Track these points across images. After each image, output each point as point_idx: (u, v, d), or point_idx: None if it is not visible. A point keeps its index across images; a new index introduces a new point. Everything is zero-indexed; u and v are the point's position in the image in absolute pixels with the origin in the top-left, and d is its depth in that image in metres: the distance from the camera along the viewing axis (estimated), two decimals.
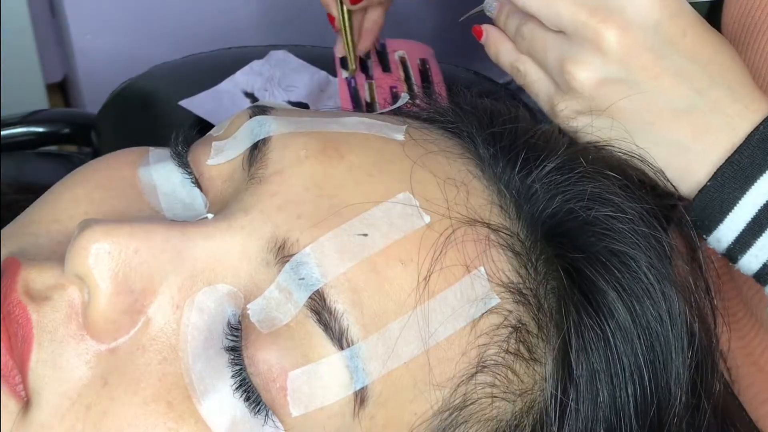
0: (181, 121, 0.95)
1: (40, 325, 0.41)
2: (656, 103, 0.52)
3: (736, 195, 0.52)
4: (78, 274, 0.41)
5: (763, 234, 0.52)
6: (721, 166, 0.52)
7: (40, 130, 1.02)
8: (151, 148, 0.49)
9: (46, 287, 0.42)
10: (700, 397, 0.49)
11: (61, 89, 1.80)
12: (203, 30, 1.57)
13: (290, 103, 0.93)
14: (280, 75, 0.99)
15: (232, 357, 0.42)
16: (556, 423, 0.46)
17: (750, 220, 0.52)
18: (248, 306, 0.43)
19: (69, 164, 0.95)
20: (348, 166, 0.45)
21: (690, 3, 0.53)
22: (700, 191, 0.53)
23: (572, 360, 0.46)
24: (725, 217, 0.52)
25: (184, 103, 0.98)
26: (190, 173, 0.47)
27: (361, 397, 0.42)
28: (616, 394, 0.47)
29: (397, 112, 0.56)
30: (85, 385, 0.41)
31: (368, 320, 0.42)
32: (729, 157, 0.52)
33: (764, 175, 0.51)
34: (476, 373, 0.45)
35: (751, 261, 0.53)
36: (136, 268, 0.41)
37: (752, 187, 0.52)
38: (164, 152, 0.49)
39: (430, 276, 0.43)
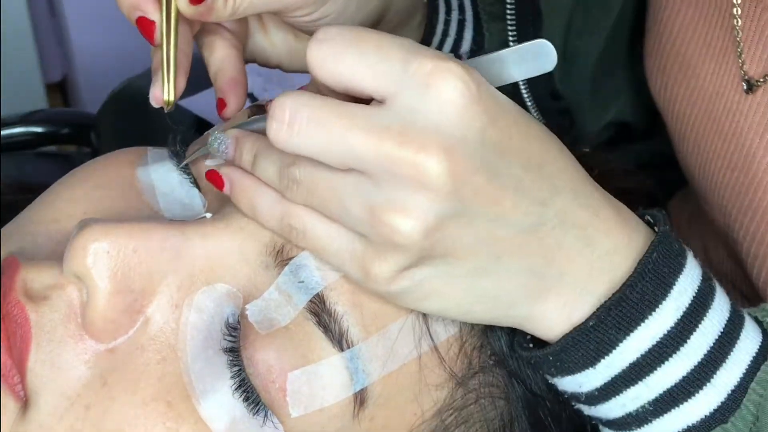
0: (181, 120, 0.95)
1: (39, 325, 0.41)
2: (500, 231, 0.40)
3: (619, 337, 0.42)
4: (77, 274, 0.41)
5: (640, 382, 0.43)
6: (603, 304, 0.42)
7: (40, 130, 1.01)
8: (149, 148, 0.49)
9: (45, 287, 0.42)
10: None
11: (60, 89, 1.80)
12: None
13: None
14: (280, 75, 0.99)
15: (231, 358, 0.42)
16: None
17: (628, 366, 0.43)
18: (247, 307, 0.43)
19: (68, 164, 0.95)
20: None
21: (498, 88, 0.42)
22: (572, 331, 0.43)
23: None
24: (598, 361, 0.43)
25: (184, 102, 0.97)
26: (189, 173, 0.47)
27: (361, 398, 0.42)
28: None
29: None
30: (84, 385, 0.41)
31: (368, 321, 0.42)
32: (614, 294, 0.42)
33: (655, 313, 0.42)
34: (476, 373, 0.45)
35: (612, 409, 0.44)
36: (135, 267, 0.41)
37: (638, 328, 0.42)
38: (163, 152, 0.49)
39: None
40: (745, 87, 0.57)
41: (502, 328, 0.46)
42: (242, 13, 0.47)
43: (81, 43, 1.61)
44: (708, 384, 0.43)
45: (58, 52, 1.71)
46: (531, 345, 0.45)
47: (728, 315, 0.44)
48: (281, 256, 0.43)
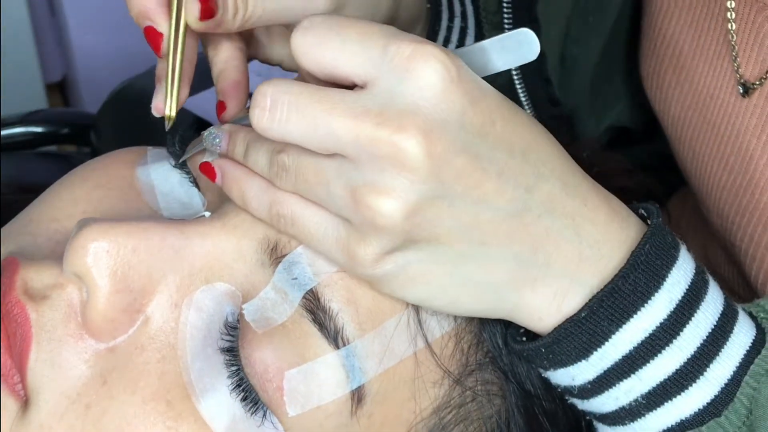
0: (180, 120, 0.95)
1: (39, 324, 0.41)
2: (484, 215, 0.40)
3: (611, 329, 0.42)
4: (76, 273, 0.41)
5: (633, 375, 0.43)
6: (595, 295, 0.42)
7: (40, 130, 1.01)
8: (149, 147, 0.49)
9: (45, 286, 0.42)
10: None
11: (60, 89, 1.80)
12: None
13: None
14: (280, 75, 0.99)
15: (229, 357, 0.42)
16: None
17: (620, 359, 0.43)
18: (244, 306, 0.43)
19: (68, 164, 0.95)
20: None
21: (484, 78, 0.42)
22: (565, 323, 0.43)
23: None
24: (590, 353, 0.43)
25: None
26: (189, 173, 0.47)
27: (358, 396, 0.42)
28: None
29: None
30: (84, 384, 0.41)
31: (363, 318, 0.42)
32: (607, 285, 0.42)
33: (647, 304, 0.42)
34: (474, 370, 0.45)
35: (605, 403, 0.44)
36: (135, 266, 0.41)
37: (631, 320, 0.42)
38: (162, 152, 0.49)
39: None
40: (741, 90, 0.57)
41: (496, 325, 0.46)
42: (251, 26, 0.47)
43: (81, 43, 1.61)
44: (701, 377, 0.43)
45: (58, 52, 1.71)
46: (524, 338, 0.45)
47: (721, 308, 0.44)
48: (275, 254, 0.43)
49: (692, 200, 0.73)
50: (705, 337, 0.43)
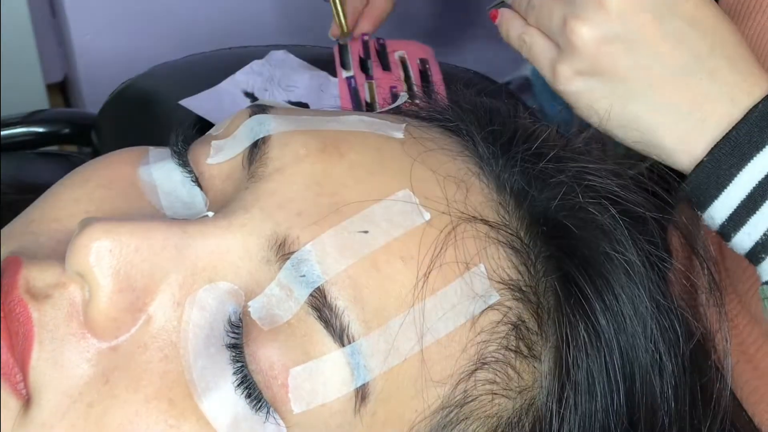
0: (181, 120, 0.95)
1: (41, 323, 0.41)
2: (654, 66, 0.53)
3: (732, 172, 0.52)
4: (79, 272, 0.41)
5: (757, 212, 0.52)
6: (717, 143, 0.53)
7: (41, 130, 1.02)
8: (150, 147, 0.49)
9: (47, 285, 0.42)
10: (697, 401, 0.49)
11: (61, 89, 1.80)
12: (203, 30, 1.57)
13: (290, 103, 0.93)
14: (280, 75, 0.99)
15: (234, 354, 0.42)
16: (557, 420, 0.47)
17: (745, 197, 0.52)
18: (249, 303, 0.43)
19: (69, 164, 0.95)
20: (348, 165, 0.45)
21: None
22: (697, 167, 0.53)
23: (570, 359, 0.46)
24: (720, 193, 0.53)
25: (184, 102, 0.98)
26: (191, 172, 0.47)
27: (362, 394, 0.42)
28: (611, 394, 0.47)
29: (397, 111, 0.55)
30: (86, 383, 0.41)
31: (369, 317, 0.42)
32: (726, 134, 0.53)
33: (761, 152, 0.52)
34: (476, 369, 0.45)
35: (743, 239, 0.53)
36: (138, 265, 0.41)
37: (748, 164, 0.52)
38: (164, 151, 0.49)
39: (429, 273, 0.43)
40: None
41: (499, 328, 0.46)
42: None
43: (82, 43, 1.61)
44: None
45: (59, 52, 1.71)
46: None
47: None
48: (282, 250, 0.43)
49: None
50: None
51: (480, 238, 0.45)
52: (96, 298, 0.41)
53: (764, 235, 0.53)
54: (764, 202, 0.52)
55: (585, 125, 0.75)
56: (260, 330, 0.42)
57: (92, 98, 1.58)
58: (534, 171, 0.48)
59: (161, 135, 0.50)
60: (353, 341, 0.42)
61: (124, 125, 1.03)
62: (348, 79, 0.86)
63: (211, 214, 0.45)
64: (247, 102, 0.96)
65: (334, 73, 0.94)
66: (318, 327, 0.42)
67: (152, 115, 1.02)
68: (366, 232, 0.43)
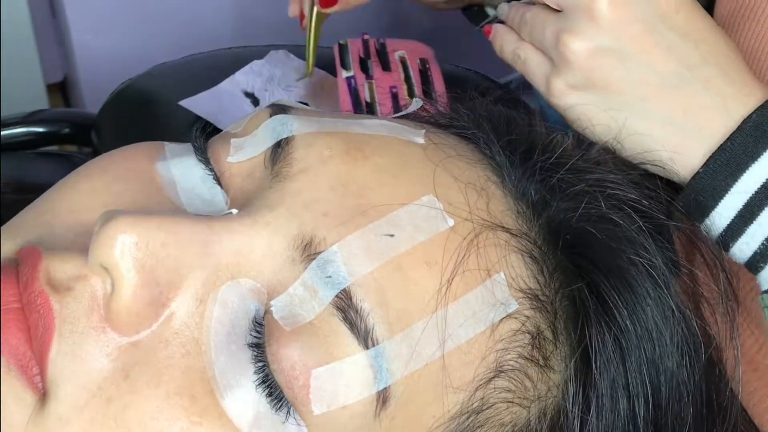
0: (181, 121, 0.95)
1: (62, 316, 0.41)
2: (647, 77, 0.53)
3: (728, 182, 0.52)
4: (103, 265, 0.40)
5: (754, 222, 0.52)
6: (713, 153, 0.52)
7: (41, 130, 1.02)
8: (165, 143, 0.49)
9: (69, 277, 0.41)
10: (712, 408, 0.49)
11: (61, 89, 1.81)
12: (203, 30, 1.57)
13: None
14: (280, 75, 0.99)
15: (256, 353, 0.42)
16: (583, 427, 0.47)
17: (741, 207, 0.52)
18: (272, 302, 0.43)
19: (69, 164, 0.95)
20: (372, 167, 0.45)
21: None
22: (693, 178, 0.53)
23: (593, 369, 0.46)
24: (717, 203, 0.52)
25: (184, 103, 0.98)
26: (212, 170, 0.47)
27: (383, 398, 0.42)
28: (637, 398, 0.47)
29: (412, 116, 0.55)
30: (105, 378, 0.40)
31: (393, 320, 0.42)
32: (721, 144, 0.52)
33: (756, 162, 0.51)
34: (494, 377, 0.45)
35: (742, 249, 0.53)
36: (163, 260, 0.41)
37: (744, 174, 0.52)
38: (180, 147, 0.48)
39: (453, 279, 0.43)
40: None
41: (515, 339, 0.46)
42: None
43: (82, 43, 1.61)
44: None
45: (59, 52, 1.71)
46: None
47: None
48: (308, 250, 0.42)
49: None
50: None
51: (501, 246, 0.45)
52: (119, 291, 0.40)
53: (762, 244, 0.52)
54: (761, 211, 0.52)
55: None
56: (282, 330, 0.42)
57: (92, 98, 1.58)
58: (553, 181, 0.48)
59: (161, 135, 0.50)
60: (377, 344, 0.42)
61: (124, 125, 1.03)
62: (348, 79, 0.86)
63: (234, 211, 0.44)
64: (248, 102, 0.96)
65: (334, 73, 0.94)
66: (342, 329, 0.42)
67: (152, 115, 1.02)
68: (392, 235, 0.43)
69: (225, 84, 0.99)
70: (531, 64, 0.59)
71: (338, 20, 0.84)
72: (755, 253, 0.53)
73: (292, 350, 0.41)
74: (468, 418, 0.45)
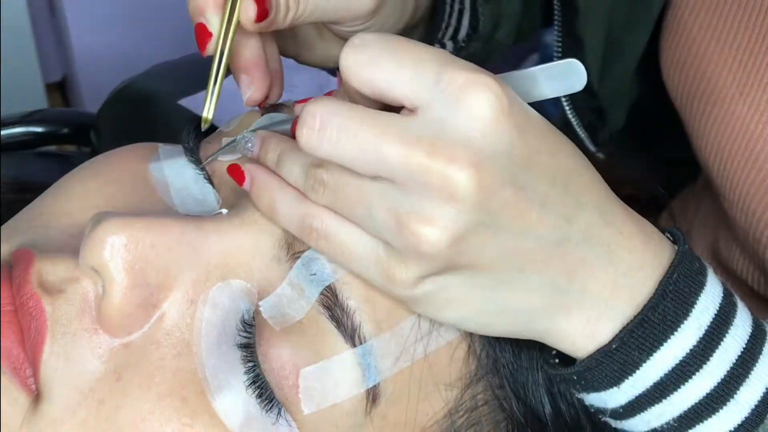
0: (180, 120, 0.95)
1: (54, 318, 0.41)
2: (525, 244, 0.40)
3: (642, 358, 0.42)
4: (93, 267, 0.41)
5: (665, 400, 0.43)
6: (626, 326, 0.42)
7: (40, 129, 1.01)
8: (159, 144, 0.49)
9: (60, 279, 0.41)
10: None
11: (60, 89, 1.81)
12: None
13: None
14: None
15: (246, 354, 0.42)
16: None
17: (651, 386, 0.43)
18: (261, 303, 0.43)
19: (68, 164, 0.94)
20: None
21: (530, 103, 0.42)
22: (589, 357, 0.43)
23: None
24: (622, 381, 0.43)
25: (184, 102, 0.98)
26: (203, 169, 0.47)
27: (373, 395, 0.42)
28: None
29: None
30: (98, 380, 0.41)
31: (381, 317, 0.42)
32: (636, 315, 0.42)
33: (677, 333, 0.42)
34: (486, 374, 0.45)
35: (638, 424, 0.45)
36: (152, 261, 0.41)
37: (661, 348, 0.42)
38: (173, 148, 0.48)
39: None
40: None
41: (507, 339, 0.45)
42: (298, 23, 0.48)
43: (81, 43, 1.61)
44: (731, 400, 0.43)
45: (58, 52, 1.71)
46: (557, 360, 0.45)
47: (750, 330, 0.44)
48: (293, 249, 0.43)
49: (695, 201, 0.72)
50: (734, 361, 0.43)
51: None
52: (110, 293, 0.40)
53: (667, 423, 0.44)
54: (677, 389, 0.43)
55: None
56: (272, 330, 0.42)
57: (91, 98, 1.58)
58: None
59: (160, 134, 0.50)
60: (365, 341, 0.42)
61: (123, 125, 1.03)
62: None
63: (225, 211, 0.44)
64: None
65: (334, 73, 0.94)
66: (329, 327, 0.42)
67: (151, 114, 1.02)
68: None
69: (225, 82, 0.99)
70: (343, 243, 0.41)
71: None
72: (654, 430, 0.45)
73: (282, 350, 0.42)
74: (462, 416, 0.45)
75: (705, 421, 0.43)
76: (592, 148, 0.74)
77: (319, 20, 0.49)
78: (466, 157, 0.38)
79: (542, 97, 0.44)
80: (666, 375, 0.42)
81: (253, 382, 0.41)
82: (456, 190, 0.38)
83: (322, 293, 0.42)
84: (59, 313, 0.41)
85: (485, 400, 0.45)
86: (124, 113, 1.04)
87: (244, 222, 0.43)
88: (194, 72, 1.06)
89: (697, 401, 0.43)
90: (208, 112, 0.47)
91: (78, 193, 0.46)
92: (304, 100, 0.47)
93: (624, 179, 0.51)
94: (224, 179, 0.46)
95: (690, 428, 0.43)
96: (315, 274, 0.42)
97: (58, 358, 0.40)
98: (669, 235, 0.45)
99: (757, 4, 0.57)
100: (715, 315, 0.43)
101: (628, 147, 0.77)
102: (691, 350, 0.42)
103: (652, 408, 0.43)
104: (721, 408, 0.43)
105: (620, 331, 0.42)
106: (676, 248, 0.44)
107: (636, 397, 0.43)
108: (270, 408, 0.41)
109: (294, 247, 0.43)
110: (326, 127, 0.38)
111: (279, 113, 0.47)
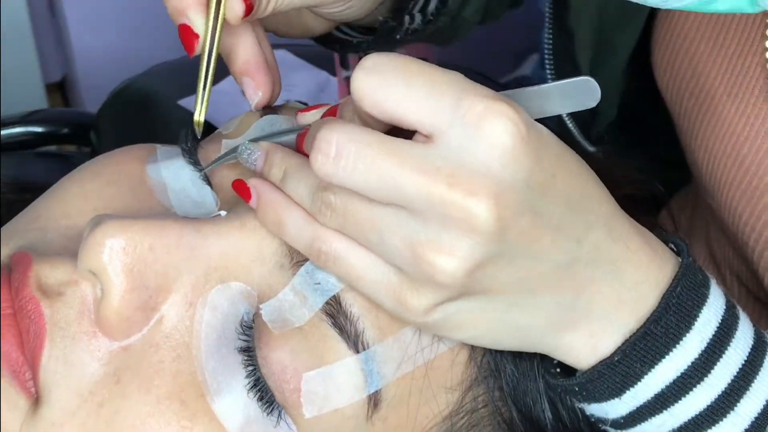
0: (180, 120, 0.95)
1: (53, 321, 0.41)
2: (537, 268, 0.40)
3: (644, 370, 0.43)
4: (92, 270, 0.40)
5: (665, 411, 0.43)
6: (628, 339, 0.43)
7: (40, 129, 1.02)
8: (157, 145, 0.49)
9: (59, 283, 0.41)
10: None
11: (60, 89, 1.81)
12: None
13: None
14: (280, 74, 0.99)
15: (246, 357, 0.42)
16: None
17: (652, 397, 0.43)
18: (261, 306, 0.42)
19: (68, 164, 0.95)
20: None
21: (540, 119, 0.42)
22: (598, 365, 0.43)
23: None
24: (623, 392, 0.43)
25: (184, 102, 0.98)
26: (201, 170, 0.47)
27: (375, 400, 0.42)
28: None
29: None
30: (97, 383, 0.40)
31: (384, 323, 0.42)
32: (639, 328, 0.43)
33: (679, 345, 0.43)
34: (486, 377, 0.45)
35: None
36: (151, 264, 0.41)
37: (663, 361, 0.43)
38: (172, 150, 0.48)
39: None
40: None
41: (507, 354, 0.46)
42: (280, 11, 0.48)
43: (81, 43, 1.61)
44: (732, 412, 0.43)
45: (58, 52, 1.71)
46: (558, 370, 0.45)
47: (752, 342, 0.44)
48: (297, 257, 0.42)
49: (693, 199, 0.72)
50: (736, 373, 0.43)
51: None
52: (109, 296, 0.40)
53: None
54: (678, 401, 0.43)
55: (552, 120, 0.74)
56: (272, 333, 0.42)
57: (91, 98, 1.58)
58: None
59: (160, 134, 0.50)
60: (368, 348, 0.42)
61: (123, 125, 1.03)
62: (348, 78, 0.86)
63: (223, 213, 0.44)
64: (248, 102, 0.96)
65: (334, 73, 0.94)
66: (332, 333, 0.42)
67: (151, 114, 1.02)
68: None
69: (224, 84, 0.99)
70: (354, 268, 0.41)
71: None
72: None
73: (283, 354, 0.42)
74: (462, 418, 0.45)
75: None
76: (589, 148, 0.74)
77: (301, 6, 0.49)
78: (485, 188, 0.37)
79: (554, 113, 0.44)
80: (667, 387, 0.43)
81: (254, 386, 0.41)
82: (476, 223, 0.37)
83: (326, 302, 0.42)
84: (58, 316, 0.41)
85: (485, 402, 0.45)
86: (124, 113, 1.04)
87: (245, 226, 0.43)
88: (194, 72, 1.06)
89: (697, 413, 0.43)
90: (199, 115, 0.46)
91: (76, 195, 0.46)
92: (308, 109, 0.46)
93: (624, 178, 0.51)
94: (222, 181, 0.46)
95: None
96: (319, 284, 0.42)
97: (57, 361, 0.40)
98: (672, 246, 0.45)
99: None
100: (718, 328, 0.43)
101: (624, 147, 0.77)
102: (692, 363, 0.42)
103: (653, 419, 0.43)
104: (722, 420, 0.43)
105: (623, 344, 0.42)
106: (680, 260, 0.44)
107: (637, 408, 0.43)
108: (270, 411, 0.41)
109: (298, 255, 0.42)
110: (342, 155, 0.38)
111: (278, 116, 0.47)
